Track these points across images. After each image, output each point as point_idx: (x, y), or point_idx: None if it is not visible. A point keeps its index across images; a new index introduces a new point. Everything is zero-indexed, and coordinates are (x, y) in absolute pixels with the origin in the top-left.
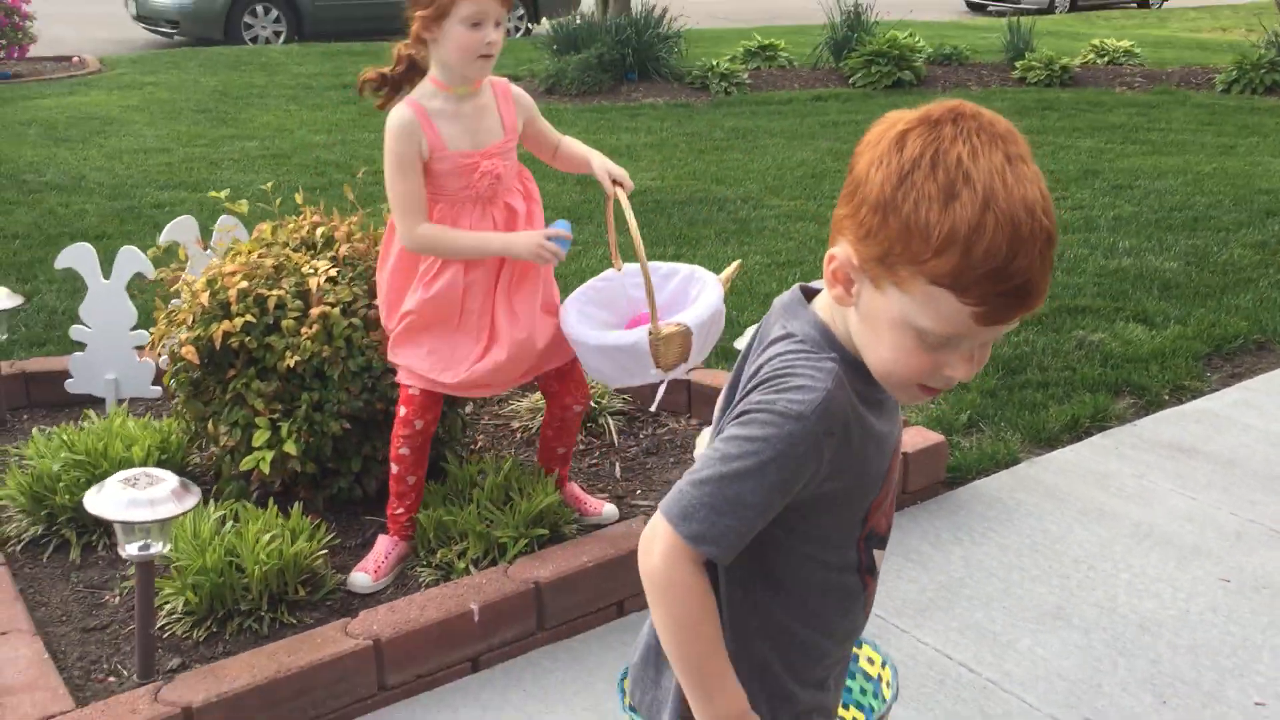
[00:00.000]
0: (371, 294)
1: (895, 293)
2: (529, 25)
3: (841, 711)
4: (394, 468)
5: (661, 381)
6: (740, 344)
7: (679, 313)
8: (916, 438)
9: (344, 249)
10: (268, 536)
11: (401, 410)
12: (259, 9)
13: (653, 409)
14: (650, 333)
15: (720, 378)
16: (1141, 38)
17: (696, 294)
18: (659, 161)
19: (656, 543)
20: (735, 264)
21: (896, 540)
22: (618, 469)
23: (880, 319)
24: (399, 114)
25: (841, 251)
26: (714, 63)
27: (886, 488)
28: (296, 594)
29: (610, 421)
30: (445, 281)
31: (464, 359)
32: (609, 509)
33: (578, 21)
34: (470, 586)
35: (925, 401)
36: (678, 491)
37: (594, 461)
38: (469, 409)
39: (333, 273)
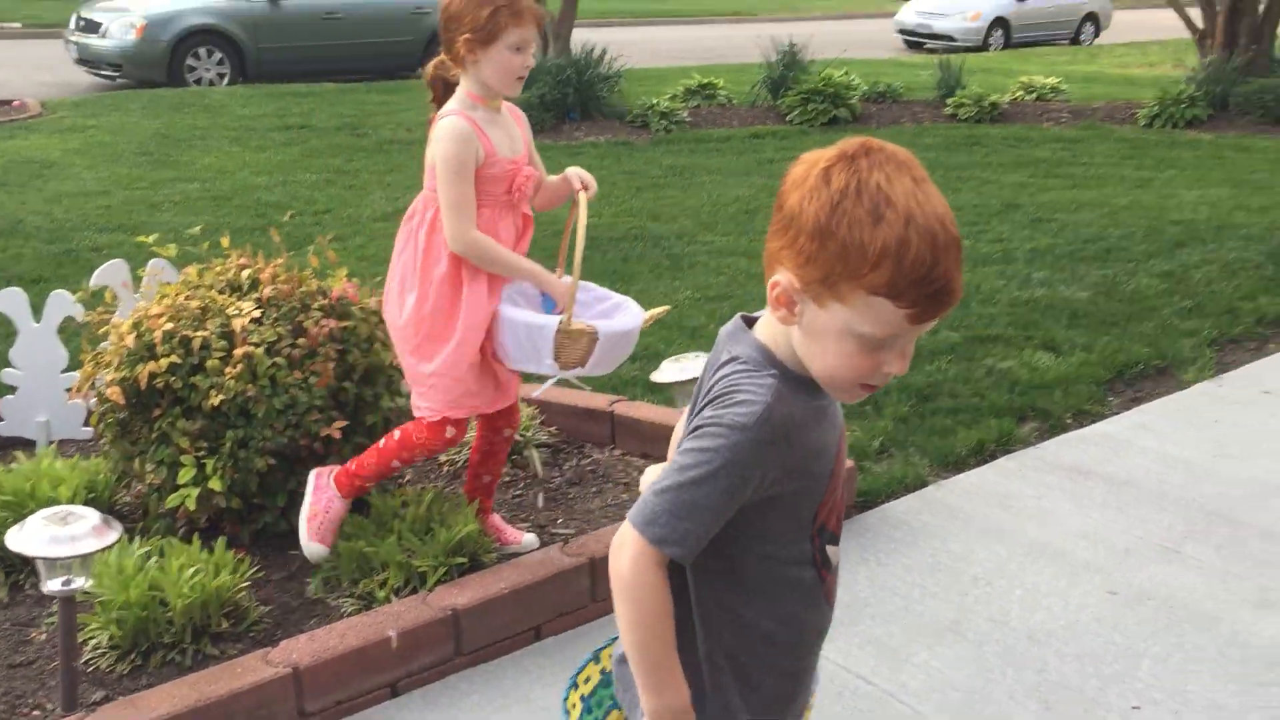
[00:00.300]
0: (295, 334)
1: (837, 307)
2: None
3: None
4: (395, 464)
5: (552, 377)
6: (656, 377)
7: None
8: None
9: (268, 290)
10: (191, 570)
11: (449, 429)
12: (202, 51)
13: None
14: (560, 324)
15: (643, 409)
16: (1070, 74)
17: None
18: (597, 199)
19: (625, 548)
20: (664, 308)
21: None
22: (540, 499)
23: (825, 332)
24: (456, 124)
25: (784, 278)
26: (654, 101)
27: (833, 487)
28: (219, 626)
29: (535, 453)
30: (486, 285)
31: (490, 376)
32: (529, 538)
33: None
34: (389, 614)
35: (864, 399)
36: (642, 501)
37: (518, 493)
38: None
39: (257, 314)
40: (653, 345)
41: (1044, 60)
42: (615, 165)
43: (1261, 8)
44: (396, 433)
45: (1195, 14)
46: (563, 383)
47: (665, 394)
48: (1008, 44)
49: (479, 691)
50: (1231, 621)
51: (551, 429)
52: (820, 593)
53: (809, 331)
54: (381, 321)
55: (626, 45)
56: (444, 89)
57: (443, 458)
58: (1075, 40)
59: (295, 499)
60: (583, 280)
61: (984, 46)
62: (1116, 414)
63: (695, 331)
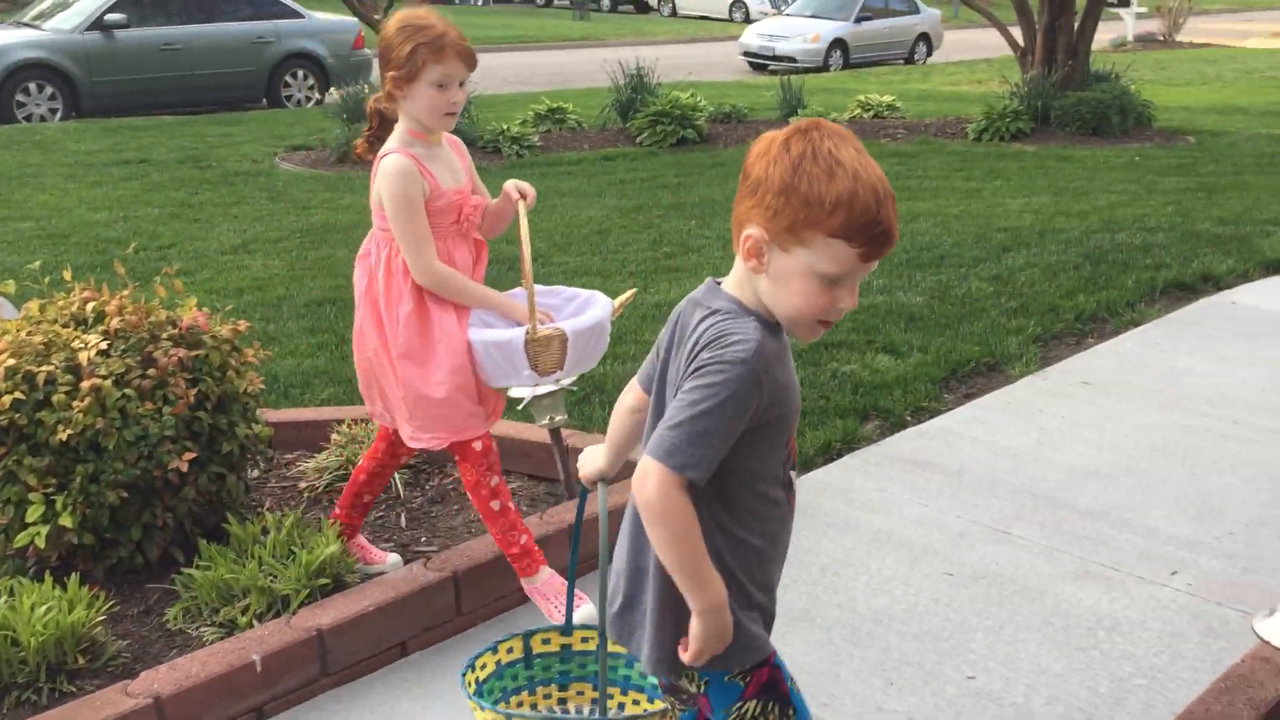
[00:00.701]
0: (145, 364)
1: (801, 251)
2: (319, 95)
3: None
4: (495, 504)
5: (535, 385)
6: (514, 392)
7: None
8: None
9: (115, 322)
10: (44, 608)
11: (477, 444)
12: (32, 86)
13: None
14: (527, 333)
15: (502, 426)
16: (905, 92)
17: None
18: None
19: (649, 479)
20: (630, 291)
21: None
22: (403, 519)
23: (791, 275)
24: (399, 162)
25: (755, 231)
26: (504, 127)
27: (796, 420)
28: (76, 663)
29: (396, 475)
30: (454, 313)
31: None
32: (393, 559)
33: (366, 90)
34: (253, 639)
35: (820, 336)
36: (658, 437)
37: (380, 514)
38: (255, 474)
39: (104, 346)
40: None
41: (881, 79)
42: None
43: (1075, 26)
44: (470, 495)
45: (1017, 33)
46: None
47: (525, 410)
48: (846, 64)
49: (346, 710)
50: (1055, 594)
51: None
52: (788, 511)
53: (776, 277)
54: (235, 350)
55: (475, 71)
56: (381, 123)
57: (303, 483)
58: (909, 60)
59: (150, 532)
60: (550, 285)
61: (824, 67)
62: (951, 409)
63: None
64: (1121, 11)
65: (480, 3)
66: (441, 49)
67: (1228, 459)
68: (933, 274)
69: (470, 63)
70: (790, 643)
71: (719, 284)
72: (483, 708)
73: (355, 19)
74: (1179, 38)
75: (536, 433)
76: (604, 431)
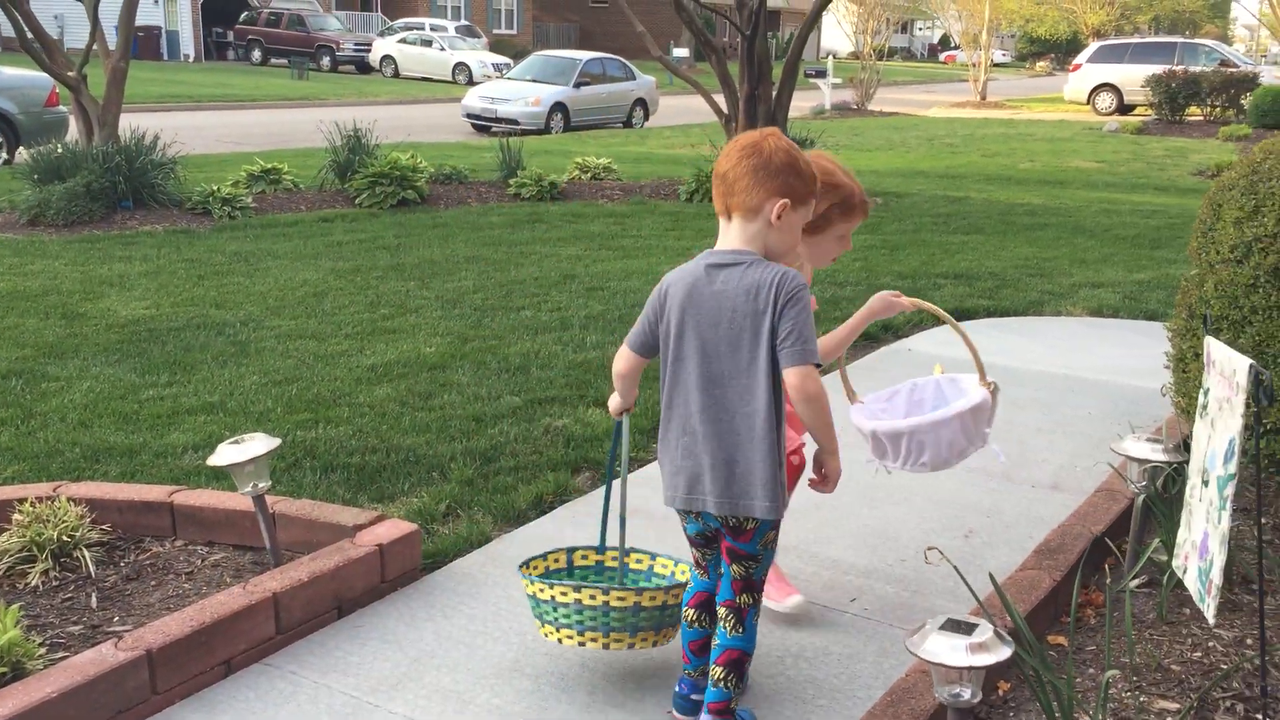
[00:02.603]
0: None
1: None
2: (8, 155)
3: None
4: None
5: (983, 446)
6: (215, 461)
7: (933, 410)
8: (392, 529)
9: None
10: None
11: None
12: None
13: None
14: (986, 383)
15: (205, 496)
16: (623, 154)
17: (931, 399)
18: (155, 289)
19: (810, 377)
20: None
21: (372, 624)
22: (94, 599)
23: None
24: (800, 278)
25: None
26: (215, 188)
27: None
28: None
29: (86, 554)
30: None
31: None
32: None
33: (59, 150)
34: None
35: None
36: (804, 351)
37: (68, 596)
38: None
39: None
40: (215, 432)
41: (600, 142)
42: (175, 254)
43: (774, 95)
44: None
45: (723, 100)
46: (137, 474)
47: (228, 479)
48: (568, 127)
49: None
50: None
51: (104, 526)
52: None
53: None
54: None
55: (184, 130)
56: None
57: None
58: (628, 123)
59: None
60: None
61: (546, 129)
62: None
63: (262, 416)
64: (819, 82)
65: (191, 60)
66: (851, 209)
67: (902, 491)
68: None
69: (867, 213)
70: (500, 693)
71: (734, 249)
72: (532, 581)
73: (49, 75)
74: (871, 106)
75: (241, 501)
76: (313, 498)
